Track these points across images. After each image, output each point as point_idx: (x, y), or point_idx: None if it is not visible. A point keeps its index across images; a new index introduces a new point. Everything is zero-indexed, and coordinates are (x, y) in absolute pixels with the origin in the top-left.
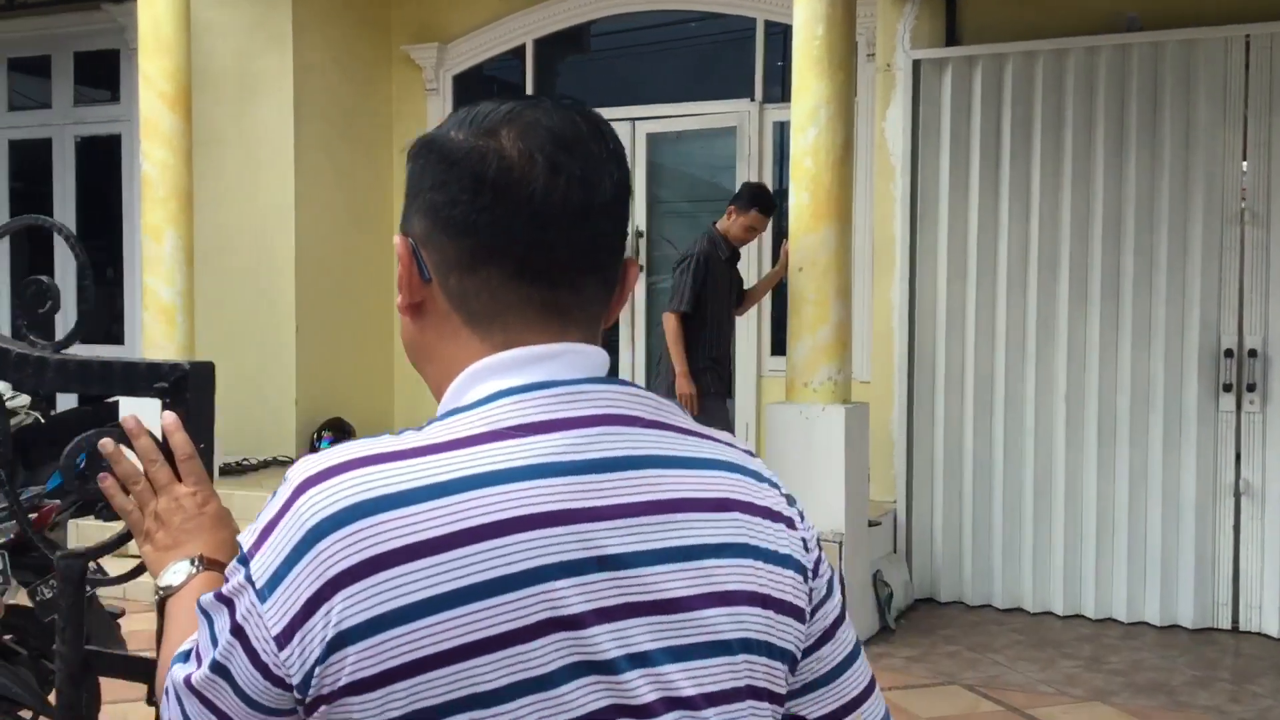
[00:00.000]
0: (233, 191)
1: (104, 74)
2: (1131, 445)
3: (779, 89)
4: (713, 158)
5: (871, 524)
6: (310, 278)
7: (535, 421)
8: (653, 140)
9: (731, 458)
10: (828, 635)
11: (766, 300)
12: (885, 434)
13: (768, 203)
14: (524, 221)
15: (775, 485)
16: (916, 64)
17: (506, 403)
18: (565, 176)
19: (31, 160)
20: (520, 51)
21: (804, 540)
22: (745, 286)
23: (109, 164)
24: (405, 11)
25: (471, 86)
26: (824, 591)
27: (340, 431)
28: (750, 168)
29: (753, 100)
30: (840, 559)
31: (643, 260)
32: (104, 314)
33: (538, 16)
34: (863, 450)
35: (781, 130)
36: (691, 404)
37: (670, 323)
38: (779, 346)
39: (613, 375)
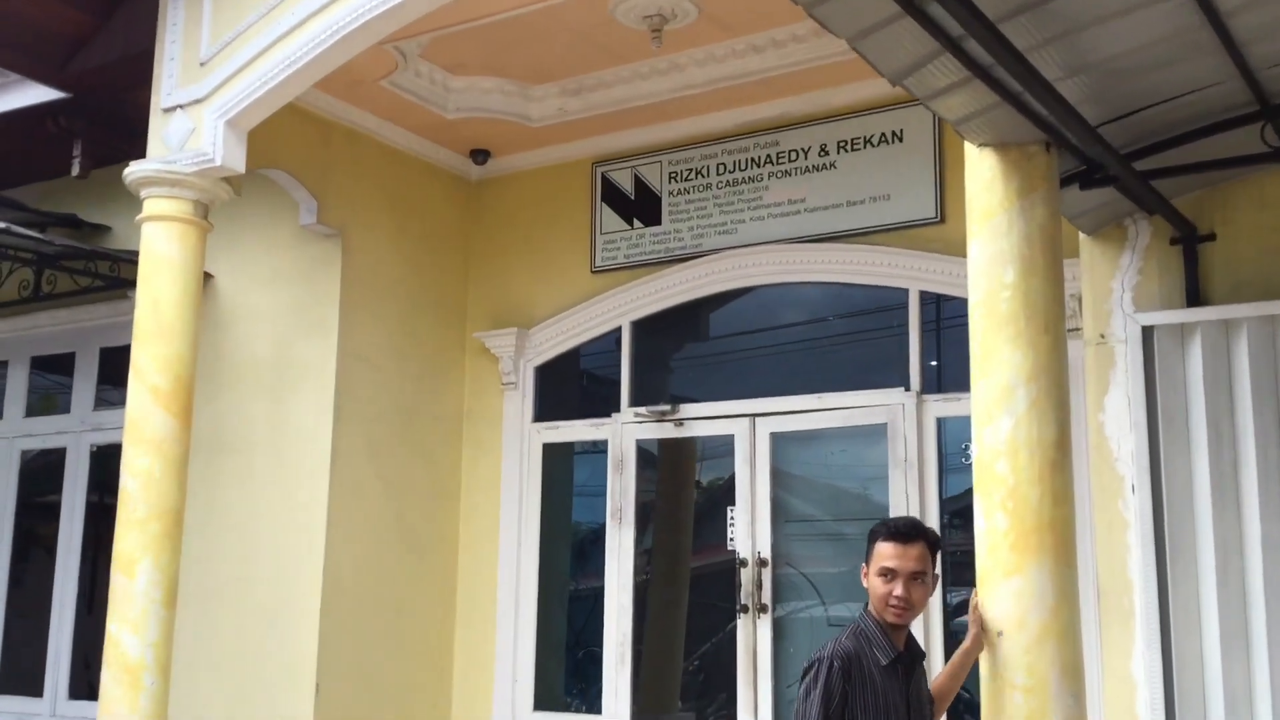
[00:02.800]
0: (257, 509)
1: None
2: None
3: (940, 375)
4: (858, 464)
5: None
6: (340, 618)
7: None
8: (779, 441)
9: None
10: None
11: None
12: None
13: (893, 526)
14: None
15: None
16: (1148, 332)
17: None
18: None
19: (45, 467)
20: (616, 336)
21: None
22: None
23: None
24: (480, 292)
25: (557, 378)
26: None
27: None
28: (908, 476)
29: (907, 390)
30: None
31: (767, 597)
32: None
33: (636, 294)
34: None
35: (944, 428)
36: None
37: None
38: None
39: None
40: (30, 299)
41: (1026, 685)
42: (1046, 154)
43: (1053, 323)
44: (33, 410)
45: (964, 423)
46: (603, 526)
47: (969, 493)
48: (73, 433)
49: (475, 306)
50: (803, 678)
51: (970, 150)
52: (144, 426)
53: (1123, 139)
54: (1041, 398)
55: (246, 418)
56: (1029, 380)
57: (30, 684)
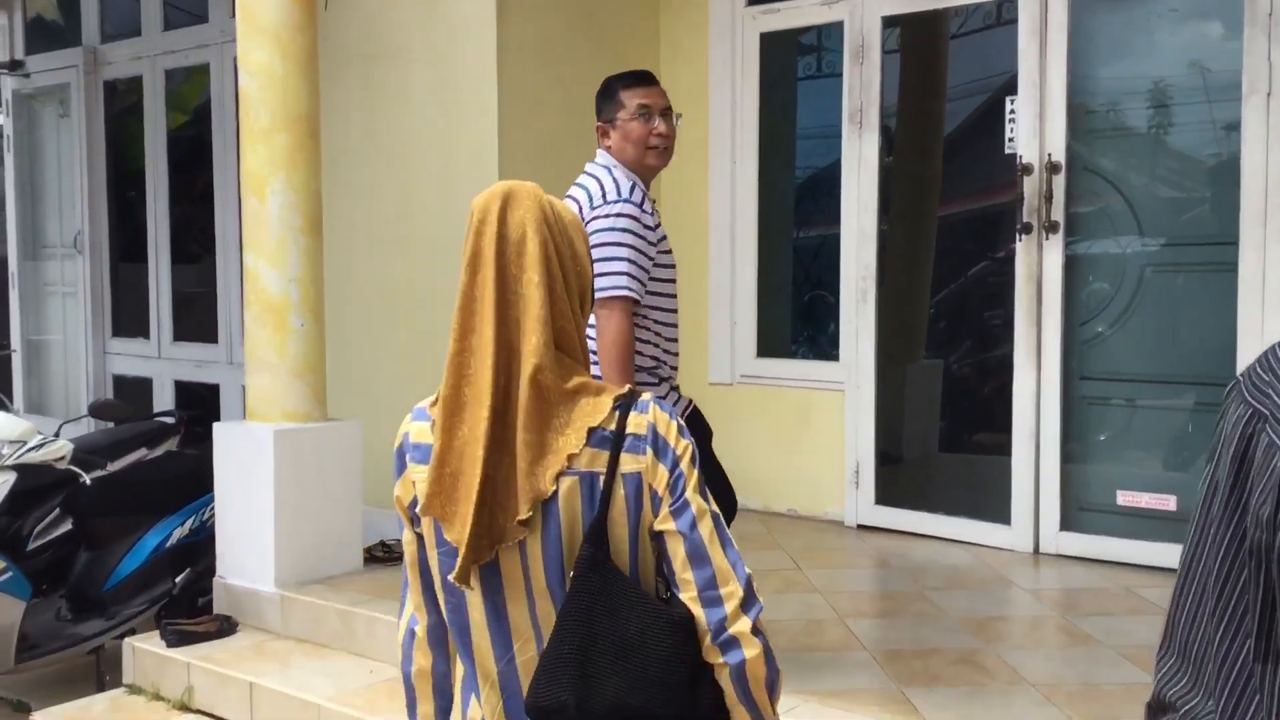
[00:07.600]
0: (418, 129)
1: None
2: None
3: None
4: (1197, 27)
5: None
6: None
7: None
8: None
9: None
10: None
11: None
12: None
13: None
14: None
15: None
16: None
17: None
18: None
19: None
20: None
21: None
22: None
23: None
24: None
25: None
26: None
27: None
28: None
29: None
30: None
31: (1058, 212)
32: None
33: None
34: None
35: None
36: None
37: None
38: None
39: None
40: None
41: None
42: None
43: None
44: (173, 23)
45: None
46: (836, 137)
47: None
48: (147, 57)
49: None
50: None
51: None
52: (258, 11)
53: None
54: None
55: (398, 17)
56: None
57: (138, 326)
